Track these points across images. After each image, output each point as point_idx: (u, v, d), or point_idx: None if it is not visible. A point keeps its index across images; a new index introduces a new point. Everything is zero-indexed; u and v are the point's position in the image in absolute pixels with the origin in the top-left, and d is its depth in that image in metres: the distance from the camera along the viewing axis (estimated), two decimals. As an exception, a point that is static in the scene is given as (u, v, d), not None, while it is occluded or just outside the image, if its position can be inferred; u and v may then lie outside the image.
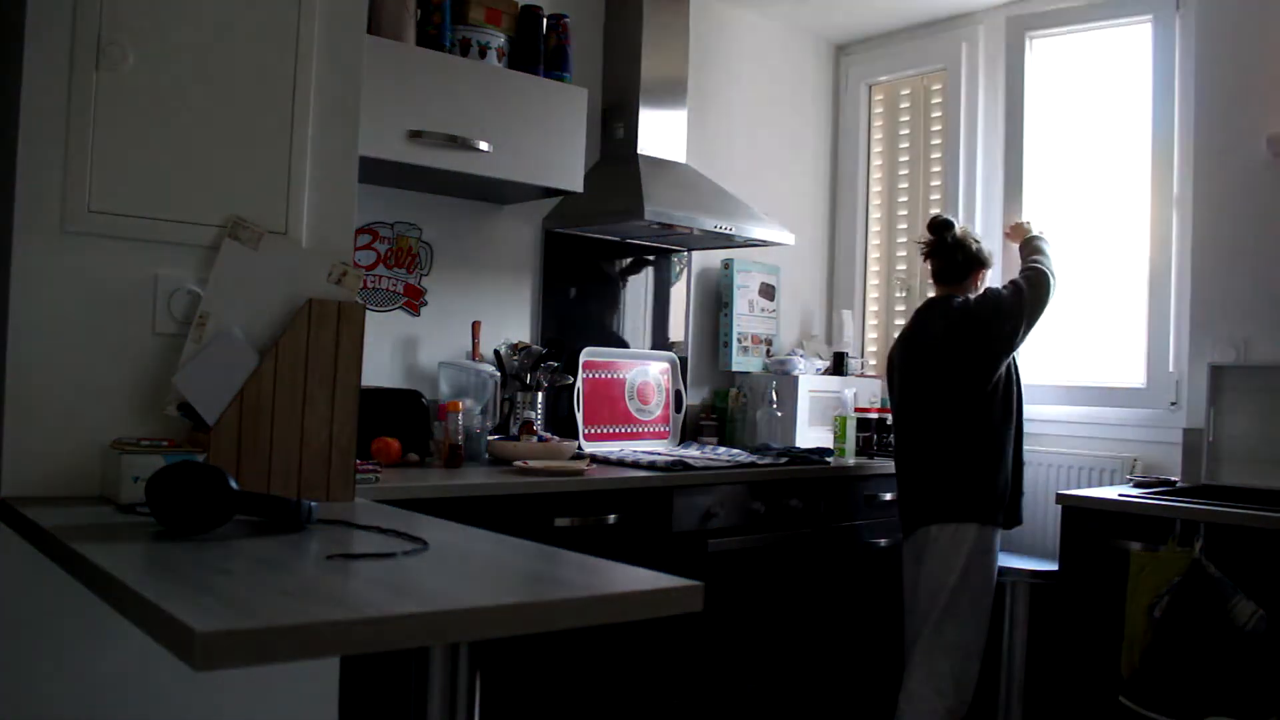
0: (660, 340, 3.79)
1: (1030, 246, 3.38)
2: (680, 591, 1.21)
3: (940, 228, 3.25)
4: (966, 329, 3.10)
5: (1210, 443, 3.12)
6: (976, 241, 3.24)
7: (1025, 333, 3.11)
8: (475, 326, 3.20)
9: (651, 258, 3.79)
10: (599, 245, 3.61)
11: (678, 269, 3.86)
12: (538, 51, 3.08)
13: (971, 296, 3.18)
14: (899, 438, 3.23)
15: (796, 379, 3.74)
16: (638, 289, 3.77)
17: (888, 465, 3.50)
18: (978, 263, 3.21)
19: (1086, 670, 2.87)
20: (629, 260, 3.74)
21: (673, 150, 3.52)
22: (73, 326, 1.67)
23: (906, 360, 3.21)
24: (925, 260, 3.30)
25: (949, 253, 3.21)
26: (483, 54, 2.96)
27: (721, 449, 3.54)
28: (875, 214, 4.34)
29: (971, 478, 3.00)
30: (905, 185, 4.23)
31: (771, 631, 3.22)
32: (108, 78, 1.67)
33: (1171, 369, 3.38)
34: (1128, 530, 2.80)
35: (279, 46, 1.83)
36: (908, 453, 3.17)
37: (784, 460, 3.29)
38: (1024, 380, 3.18)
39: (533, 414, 3.13)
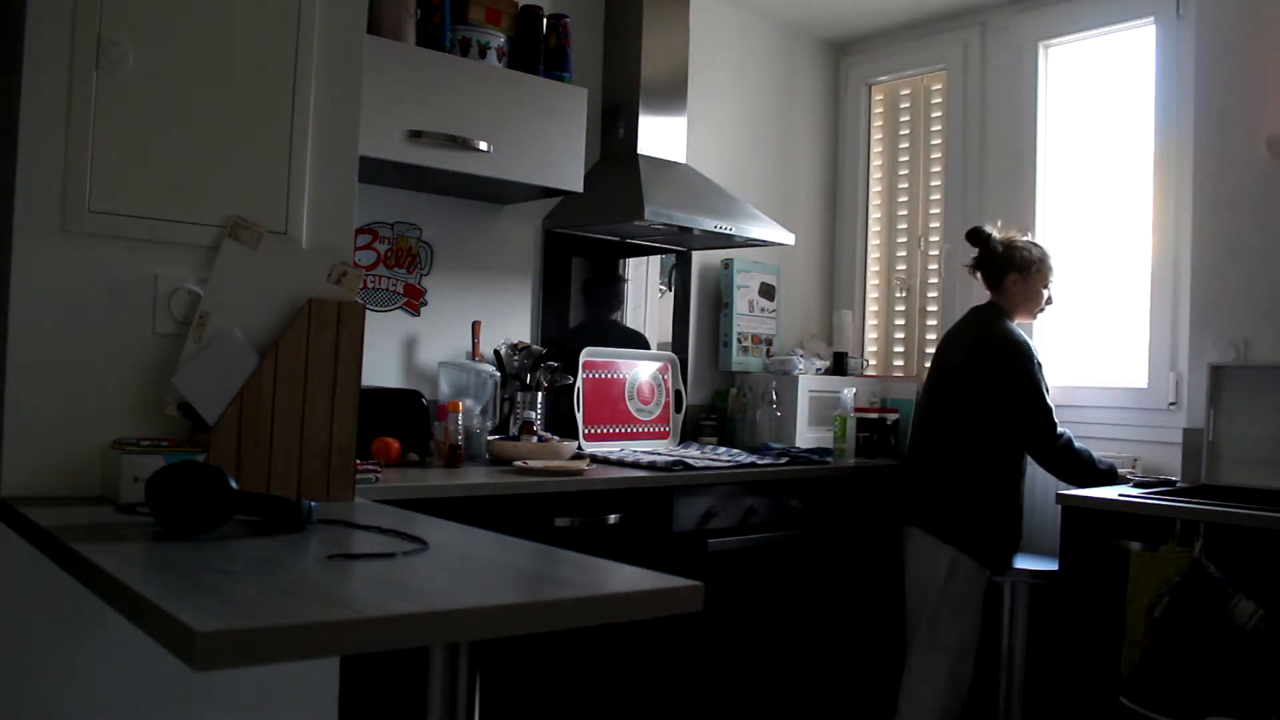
0: (660, 340, 3.79)
1: None
2: (680, 591, 1.21)
3: (969, 236, 3.30)
4: (996, 388, 3.07)
5: (1210, 443, 3.12)
6: (1006, 245, 3.22)
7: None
8: (475, 326, 3.20)
9: (652, 258, 3.79)
10: (599, 245, 3.61)
11: (678, 269, 3.86)
12: (538, 51, 3.08)
13: (1005, 338, 3.11)
14: (917, 434, 3.29)
15: (796, 379, 3.74)
16: (638, 289, 3.77)
17: (888, 465, 3.51)
18: (1006, 264, 3.20)
19: (1086, 670, 2.87)
20: (629, 260, 3.73)
21: (673, 150, 3.52)
22: (73, 327, 1.67)
23: (934, 369, 3.30)
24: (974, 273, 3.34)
25: (981, 259, 3.27)
26: (483, 54, 2.96)
27: (721, 449, 3.54)
28: (875, 214, 4.34)
29: (981, 515, 3.06)
30: (905, 185, 4.23)
31: (771, 631, 3.22)
32: (108, 78, 1.67)
33: (1171, 369, 3.38)
34: (1128, 530, 2.79)
35: (279, 46, 1.83)
36: (923, 454, 3.21)
37: (784, 460, 3.29)
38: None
39: (533, 414, 3.13)
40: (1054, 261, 3.25)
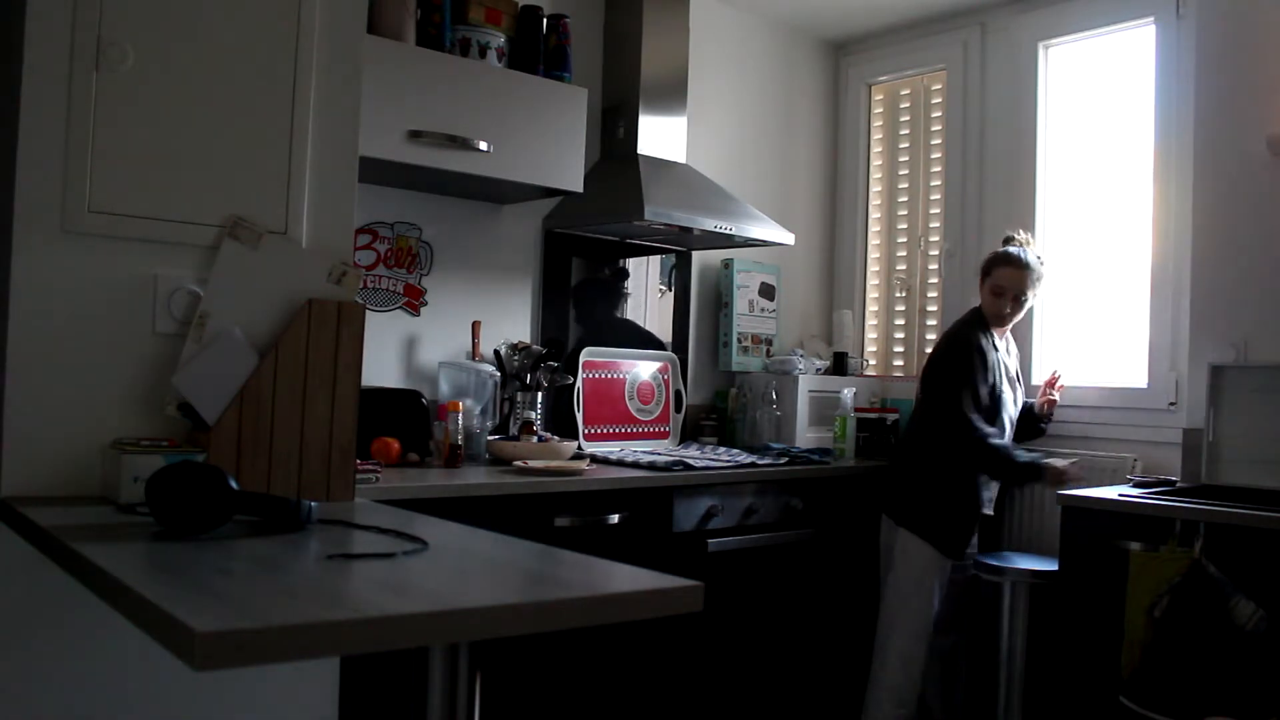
0: (660, 340, 3.79)
1: None
2: (680, 591, 1.21)
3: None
4: (928, 379, 3.24)
5: (1210, 443, 3.12)
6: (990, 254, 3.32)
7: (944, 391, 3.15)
8: (475, 326, 3.20)
9: (652, 258, 3.79)
10: (599, 245, 3.61)
11: (678, 269, 3.86)
12: (538, 51, 3.08)
13: (950, 336, 3.25)
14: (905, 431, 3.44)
15: (796, 379, 3.74)
16: (638, 289, 3.77)
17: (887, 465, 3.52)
18: (982, 273, 3.29)
19: (1086, 670, 2.87)
20: (629, 260, 3.73)
21: (673, 150, 3.52)
22: (73, 326, 1.66)
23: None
24: None
25: None
26: (483, 54, 2.96)
27: (721, 449, 3.54)
28: (875, 214, 4.33)
29: (926, 495, 3.15)
30: (905, 185, 4.23)
31: (772, 631, 3.22)
32: (108, 78, 1.67)
33: (1171, 369, 3.37)
34: (1128, 530, 2.79)
35: (279, 47, 1.83)
36: (897, 448, 3.42)
37: (784, 460, 3.29)
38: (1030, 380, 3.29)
39: (533, 414, 3.13)
40: (1008, 271, 3.17)
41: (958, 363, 3.12)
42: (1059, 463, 3.08)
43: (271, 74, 1.82)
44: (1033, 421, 3.38)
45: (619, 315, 3.72)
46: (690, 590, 1.21)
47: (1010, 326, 3.29)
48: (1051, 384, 3.41)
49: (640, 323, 3.77)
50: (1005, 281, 3.20)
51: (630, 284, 3.75)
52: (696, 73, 3.70)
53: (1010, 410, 3.22)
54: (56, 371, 1.65)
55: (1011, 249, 3.27)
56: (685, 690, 2.98)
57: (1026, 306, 3.25)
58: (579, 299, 3.58)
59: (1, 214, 1.68)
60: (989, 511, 3.23)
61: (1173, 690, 2.53)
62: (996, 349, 3.21)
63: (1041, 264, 3.27)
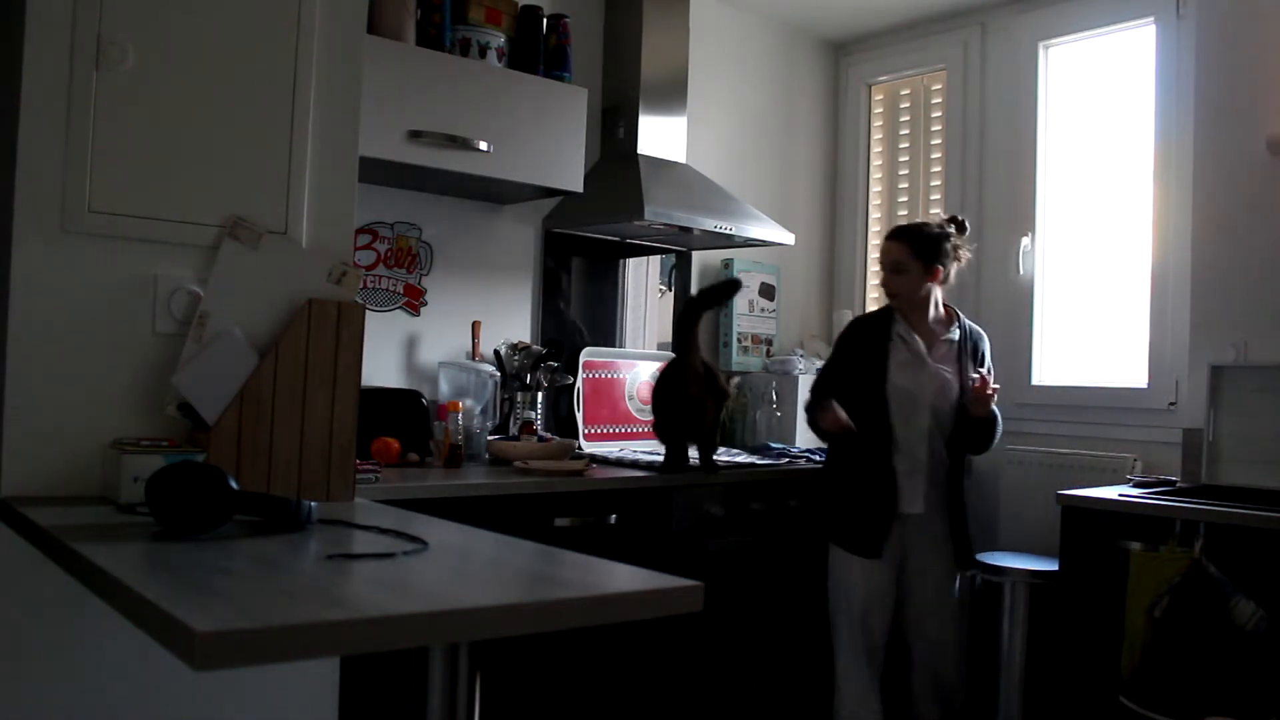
0: (660, 340, 3.79)
1: None
2: (680, 591, 1.21)
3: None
4: None
5: (1210, 443, 3.12)
6: None
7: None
8: (475, 326, 3.20)
9: (652, 258, 3.79)
10: (599, 245, 3.61)
11: (678, 269, 3.85)
12: (538, 51, 3.09)
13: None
14: None
15: (796, 379, 3.74)
16: (638, 289, 3.77)
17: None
18: None
19: (1086, 670, 2.87)
20: (629, 260, 3.73)
21: (673, 150, 3.52)
22: (73, 326, 1.66)
23: None
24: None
25: None
26: (483, 54, 2.96)
27: (721, 449, 3.54)
28: (875, 214, 4.34)
29: (837, 496, 3.00)
30: (905, 185, 4.23)
31: (771, 631, 3.22)
32: (108, 77, 1.67)
33: (1171, 369, 3.37)
34: (1128, 530, 2.80)
35: (279, 46, 1.83)
36: None
37: (784, 460, 3.29)
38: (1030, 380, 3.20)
39: (533, 414, 3.13)
40: (881, 244, 3.03)
41: (833, 349, 3.15)
42: (836, 413, 2.89)
43: (271, 74, 1.82)
44: (976, 424, 2.95)
45: (571, 312, 3.67)
46: (690, 590, 1.21)
47: (910, 300, 2.94)
48: (979, 388, 2.88)
49: (640, 322, 3.77)
50: (880, 255, 3.03)
51: (638, 284, 3.73)
52: (696, 73, 3.70)
53: (907, 391, 2.90)
54: (56, 371, 1.65)
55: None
56: (685, 690, 2.98)
57: (919, 278, 2.91)
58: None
59: (1, 214, 1.68)
60: (917, 510, 2.91)
61: (1173, 690, 2.53)
62: (904, 336, 2.93)
63: (943, 234, 2.95)
